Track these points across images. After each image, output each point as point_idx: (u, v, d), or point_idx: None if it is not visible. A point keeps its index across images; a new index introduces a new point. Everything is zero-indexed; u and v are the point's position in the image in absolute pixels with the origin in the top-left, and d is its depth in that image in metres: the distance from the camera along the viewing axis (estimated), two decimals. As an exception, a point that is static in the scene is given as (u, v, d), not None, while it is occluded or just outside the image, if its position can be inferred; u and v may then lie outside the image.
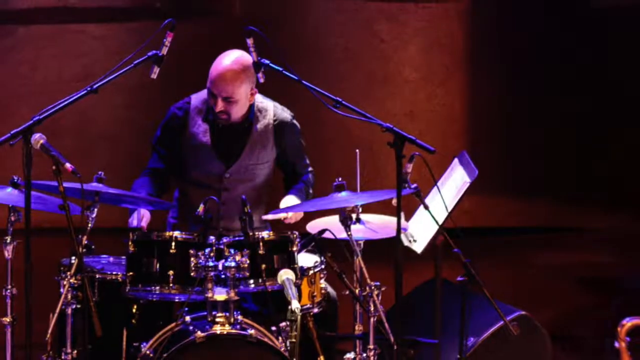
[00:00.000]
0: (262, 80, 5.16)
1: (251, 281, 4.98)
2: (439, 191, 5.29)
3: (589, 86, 7.81)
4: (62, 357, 5.13)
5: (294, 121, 5.66)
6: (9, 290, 5.26)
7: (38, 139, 4.76)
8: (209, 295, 4.91)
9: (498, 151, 7.76)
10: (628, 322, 4.85)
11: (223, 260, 5.01)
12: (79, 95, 4.97)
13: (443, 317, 5.76)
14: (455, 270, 5.27)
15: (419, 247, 5.49)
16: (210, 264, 4.97)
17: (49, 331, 5.11)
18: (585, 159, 7.79)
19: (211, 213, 5.26)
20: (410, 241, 5.53)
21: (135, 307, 5.26)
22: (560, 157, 7.77)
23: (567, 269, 7.71)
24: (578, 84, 7.82)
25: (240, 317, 5.02)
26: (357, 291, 5.27)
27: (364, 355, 5.34)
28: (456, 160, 5.61)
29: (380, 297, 5.20)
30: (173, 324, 5.07)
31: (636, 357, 4.90)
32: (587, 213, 7.86)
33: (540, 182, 7.90)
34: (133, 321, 5.30)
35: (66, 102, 4.96)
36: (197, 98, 5.57)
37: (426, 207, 5.11)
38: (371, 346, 5.28)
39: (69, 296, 5.01)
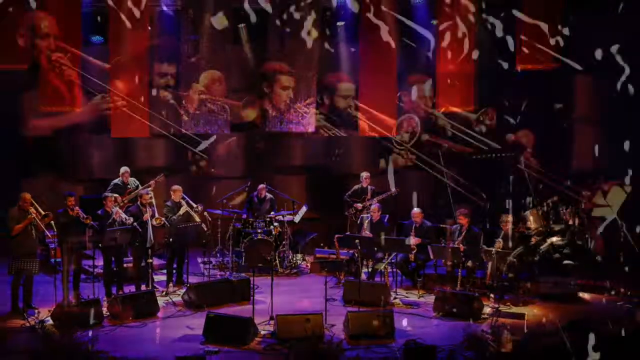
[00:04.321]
0: (267, 190, 20.05)
1: (265, 227, 19.47)
2: (301, 211, 20.01)
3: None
4: (225, 246, 20.08)
5: (273, 198, 19.64)
6: (219, 229, 19.97)
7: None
8: (257, 229, 19.44)
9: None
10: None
11: (260, 223, 19.71)
12: (234, 192, 20.47)
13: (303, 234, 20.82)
14: (311, 227, 20.70)
15: (296, 221, 19.95)
16: (259, 224, 19.14)
17: (226, 239, 20.26)
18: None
19: (257, 215, 20.05)
20: (295, 220, 20.03)
21: (243, 233, 19.41)
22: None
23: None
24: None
25: (264, 234, 19.02)
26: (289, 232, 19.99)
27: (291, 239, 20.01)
28: (304, 205, 20.38)
29: (289, 230, 20.05)
30: (250, 236, 19.06)
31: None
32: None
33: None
34: (243, 234, 19.55)
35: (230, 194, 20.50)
36: (255, 192, 19.78)
37: (297, 214, 20.06)
38: (288, 239, 19.95)
39: (230, 230, 19.72)
